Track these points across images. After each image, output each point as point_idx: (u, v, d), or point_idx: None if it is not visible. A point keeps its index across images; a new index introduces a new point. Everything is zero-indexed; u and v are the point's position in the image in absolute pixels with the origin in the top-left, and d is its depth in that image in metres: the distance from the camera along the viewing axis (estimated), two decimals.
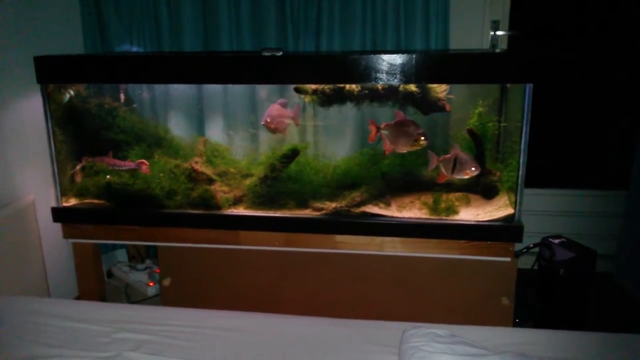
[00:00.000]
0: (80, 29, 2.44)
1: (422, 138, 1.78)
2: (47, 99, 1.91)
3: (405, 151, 1.84)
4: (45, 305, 1.52)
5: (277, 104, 1.92)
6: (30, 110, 2.00)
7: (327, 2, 2.27)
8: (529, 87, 1.64)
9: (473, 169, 1.77)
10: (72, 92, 2.00)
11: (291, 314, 1.54)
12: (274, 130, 1.91)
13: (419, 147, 1.80)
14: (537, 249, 2.20)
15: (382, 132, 1.82)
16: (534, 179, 2.69)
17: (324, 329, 1.45)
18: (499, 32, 2.47)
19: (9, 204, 1.91)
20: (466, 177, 1.79)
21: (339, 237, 1.87)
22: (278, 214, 1.90)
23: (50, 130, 1.93)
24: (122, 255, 2.75)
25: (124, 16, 2.42)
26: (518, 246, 2.09)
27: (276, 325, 1.46)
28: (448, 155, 1.80)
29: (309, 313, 1.59)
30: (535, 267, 2.23)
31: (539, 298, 2.17)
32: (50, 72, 1.85)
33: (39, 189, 2.07)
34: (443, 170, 1.81)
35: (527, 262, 2.27)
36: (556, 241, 2.12)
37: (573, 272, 2.03)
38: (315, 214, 1.89)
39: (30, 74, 1.85)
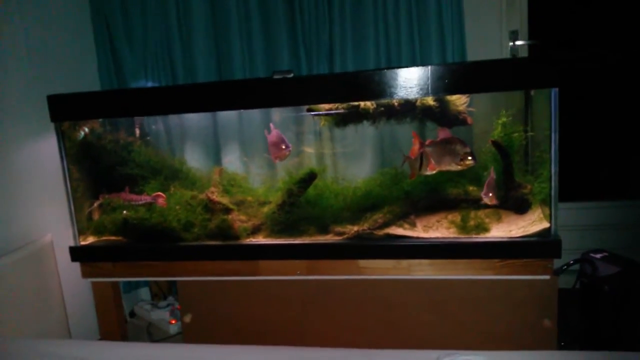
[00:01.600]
0: (96, 67, 2.47)
1: (470, 158, 1.66)
2: (62, 137, 1.89)
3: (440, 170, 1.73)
4: (60, 347, 1.46)
5: (276, 130, 1.86)
6: (46, 149, 2.00)
7: (338, 24, 2.25)
8: (555, 91, 1.55)
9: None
10: (86, 129, 1.99)
11: (317, 346, 1.44)
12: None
13: (465, 168, 1.68)
14: (578, 266, 2.06)
15: (426, 149, 1.70)
16: (572, 192, 2.56)
17: None
18: (518, 42, 2.41)
19: (27, 244, 1.89)
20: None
21: (363, 262, 1.77)
22: (297, 240, 1.82)
23: (66, 168, 1.91)
24: (145, 293, 2.71)
25: (138, 52, 2.45)
26: (557, 264, 1.96)
27: (301, 359, 1.36)
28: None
29: (335, 344, 1.49)
30: (578, 287, 2.08)
31: (584, 319, 2.01)
32: (63, 110, 1.85)
33: (57, 229, 2.05)
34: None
35: (569, 281, 2.12)
36: (598, 256, 1.97)
37: (619, 288, 1.88)
38: (336, 238, 1.80)
39: (46, 112, 1.85)
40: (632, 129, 2.63)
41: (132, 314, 2.47)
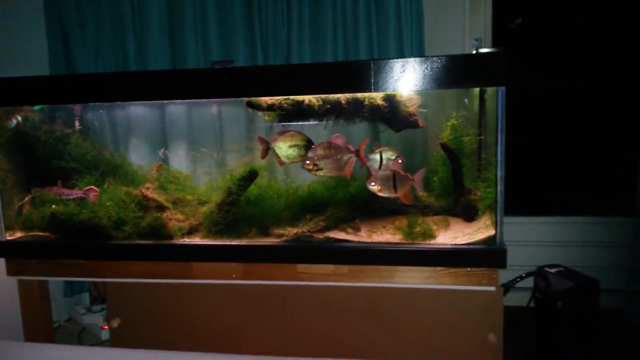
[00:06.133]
0: (47, 60, 2.38)
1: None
2: None
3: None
4: None
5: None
6: None
7: (296, 23, 2.19)
8: (501, 90, 1.48)
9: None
10: (19, 118, 1.88)
11: (251, 354, 1.33)
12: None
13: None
14: (533, 285, 1.97)
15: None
16: (530, 206, 2.48)
17: None
18: (482, 50, 2.35)
19: None
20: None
21: (301, 267, 1.66)
22: (233, 242, 1.71)
23: None
24: (87, 298, 2.57)
25: (90, 47, 2.36)
26: (509, 276, 1.87)
27: None
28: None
29: (270, 352, 1.38)
30: (532, 305, 1.98)
31: (538, 336, 1.91)
32: None
33: None
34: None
35: (524, 299, 2.03)
36: (552, 270, 1.88)
37: (573, 304, 1.79)
38: (275, 241, 1.70)
39: None
40: (596, 142, 2.58)
41: (70, 319, 2.33)
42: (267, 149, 1.67)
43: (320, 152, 1.62)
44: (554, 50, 2.60)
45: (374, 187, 1.61)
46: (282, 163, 1.69)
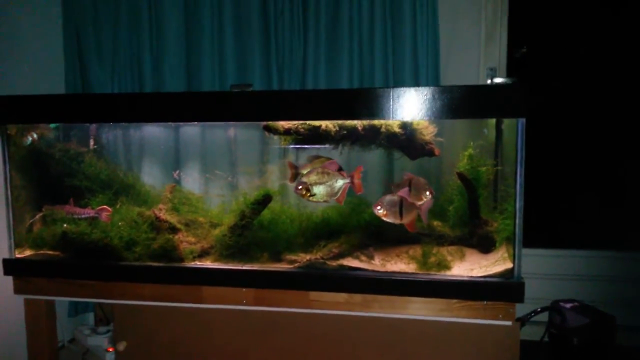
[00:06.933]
0: (63, 79, 2.41)
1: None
2: (7, 141, 1.79)
3: None
4: None
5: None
6: None
7: (312, 46, 2.20)
8: (521, 122, 1.47)
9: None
10: (35, 135, 1.89)
11: None
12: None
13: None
14: (547, 318, 1.93)
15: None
16: (545, 238, 2.45)
17: None
18: (496, 80, 2.36)
19: None
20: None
21: (313, 294, 1.64)
22: (245, 267, 1.69)
23: (8, 175, 1.79)
24: (92, 319, 2.53)
25: (106, 66, 2.38)
26: (524, 310, 1.83)
27: None
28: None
29: None
30: (546, 339, 1.94)
31: None
32: (10, 112, 1.75)
33: None
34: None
35: (538, 333, 1.99)
36: (568, 305, 1.85)
37: (589, 341, 1.75)
38: (287, 267, 1.67)
39: None
40: (613, 175, 2.56)
41: (73, 339, 2.30)
42: (296, 175, 1.67)
43: (313, 177, 1.60)
44: (563, 76, 2.60)
45: (379, 211, 1.59)
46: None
